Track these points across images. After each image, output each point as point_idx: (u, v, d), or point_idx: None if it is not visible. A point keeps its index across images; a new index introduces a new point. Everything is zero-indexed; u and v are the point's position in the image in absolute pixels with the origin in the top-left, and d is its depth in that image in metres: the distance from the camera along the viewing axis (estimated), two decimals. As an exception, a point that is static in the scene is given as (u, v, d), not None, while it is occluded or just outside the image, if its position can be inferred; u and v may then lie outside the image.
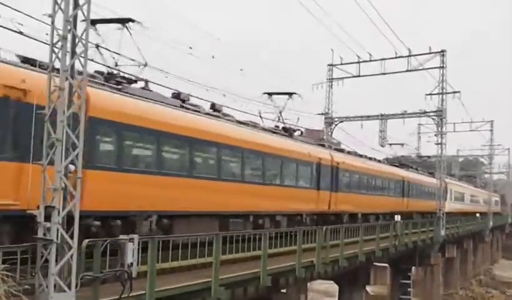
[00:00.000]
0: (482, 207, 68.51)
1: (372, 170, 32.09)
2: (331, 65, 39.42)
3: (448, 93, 37.66)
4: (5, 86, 10.35)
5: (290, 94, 25.65)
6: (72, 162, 9.14)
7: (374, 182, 32.30)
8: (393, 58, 36.49)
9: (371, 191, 31.45)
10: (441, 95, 37.10)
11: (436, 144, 38.70)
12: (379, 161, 36.59)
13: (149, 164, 14.32)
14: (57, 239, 8.77)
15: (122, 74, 15.04)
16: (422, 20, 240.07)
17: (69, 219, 8.98)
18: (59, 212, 8.82)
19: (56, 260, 8.73)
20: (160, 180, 14.21)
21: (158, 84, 16.99)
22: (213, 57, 24.13)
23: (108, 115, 12.58)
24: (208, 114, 17.66)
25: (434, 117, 38.54)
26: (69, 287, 8.76)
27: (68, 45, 9.21)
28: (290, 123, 25.59)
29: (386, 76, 37.68)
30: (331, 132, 39.59)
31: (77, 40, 9.31)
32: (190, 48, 21.39)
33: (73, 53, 9.30)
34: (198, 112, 16.98)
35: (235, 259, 14.42)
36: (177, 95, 16.74)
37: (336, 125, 40.40)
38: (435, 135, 39.98)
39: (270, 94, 25.48)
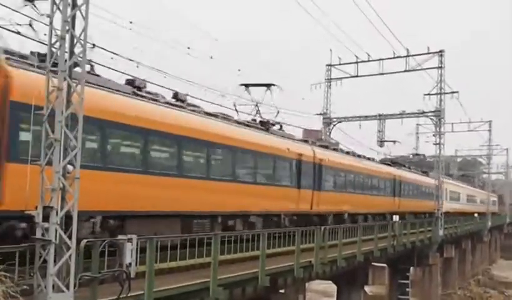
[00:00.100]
0: (479, 207, 68.55)
1: (360, 168, 30.30)
2: (330, 65, 39.52)
3: (446, 93, 37.87)
4: None
5: (268, 86, 23.71)
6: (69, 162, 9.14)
7: (362, 181, 30.40)
8: (391, 58, 36.63)
9: (359, 190, 29.65)
10: (439, 96, 37.26)
11: (434, 144, 38.89)
12: (368, 159, 34.70)
13: (92, 157, 12.48)
14: (56, 239, 8.77)
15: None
16: (422, 21, 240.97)
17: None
18: (57, 212, 8.82)
19: (54, 261, 8.74)
20: (104, 176, 12.73)
21: (157, 85, 16.96)
22: (211, 57, 23.74)
23: (38, 101, 9.83)
24: (168, 103, 16.16)
25: (432, 117, 38.64)
26: (67, 287, 8.78)
27: (67, 45, 9.21)
28: (270, 118, 23.64)
29: (384, 76, 37.89)
30: (330, 132, 39.62)
31: (75, 40, 9.32)
32: (188, 48, 21.34)
33: (71, 53, 9.30)
34: (156, 100, 15.49)
35: (234, 259, 14.39)
36: (131, 82, 15.29)
37: (334, 125, 40.46)
38: (433, 135, 40.17)
39: (246, 86, 23.72)
